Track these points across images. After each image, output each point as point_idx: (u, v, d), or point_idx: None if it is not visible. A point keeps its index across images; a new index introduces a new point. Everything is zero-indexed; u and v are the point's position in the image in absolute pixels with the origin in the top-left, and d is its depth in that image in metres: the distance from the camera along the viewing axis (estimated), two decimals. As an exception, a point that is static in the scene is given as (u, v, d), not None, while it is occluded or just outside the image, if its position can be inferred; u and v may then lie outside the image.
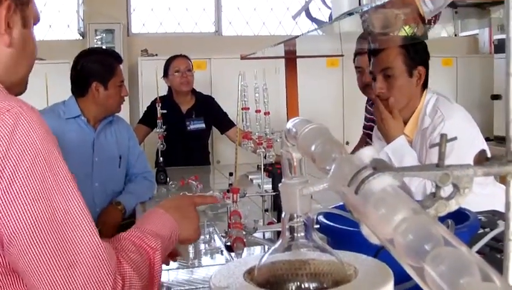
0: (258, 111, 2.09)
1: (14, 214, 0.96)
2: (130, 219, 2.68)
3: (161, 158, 3.16)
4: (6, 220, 0.96)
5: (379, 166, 0.58)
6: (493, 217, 1.66)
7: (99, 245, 1.01)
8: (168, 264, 1.40)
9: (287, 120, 2.81)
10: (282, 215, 0.83)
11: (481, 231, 1.43)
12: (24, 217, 0.96)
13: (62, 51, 4.50)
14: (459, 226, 1.17)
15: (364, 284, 0.77)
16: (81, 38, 5.07)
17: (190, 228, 1.31)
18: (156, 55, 4.92)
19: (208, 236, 1.98)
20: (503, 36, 4.93)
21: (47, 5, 4.95)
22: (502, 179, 0.63)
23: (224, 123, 4.03)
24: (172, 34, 5.41)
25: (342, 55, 3.14)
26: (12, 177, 0.96)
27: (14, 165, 0.96)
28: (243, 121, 2.11)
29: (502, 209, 1.80)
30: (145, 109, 4.04)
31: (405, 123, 2.21)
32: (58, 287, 0.97)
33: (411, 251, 0.48)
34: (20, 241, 0.96)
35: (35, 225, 0.96)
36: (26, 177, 0.96)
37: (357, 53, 2.97)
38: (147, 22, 5.40)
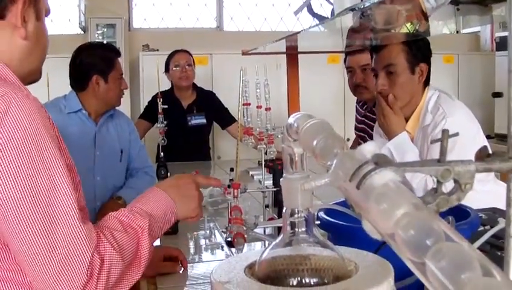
0: (259, 107, 2.08)
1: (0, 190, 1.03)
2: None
3: (162, 153, 3.15)
4: None
5: (381, 161, 0.58)
6: (494, 214, 1.66)
7: (78, 226, 1.05)
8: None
9: (288, 116, 2.80)
10: (284, 210, 0.83)
11: (481, 228, 1.43)
12: (9, 193, 1.03)
13: (63, 46, 4.48)
14: (459, 223, 1.17)
15: (364, 280, 0.77)
16: (82, 32, 5.06)
17: (189, 206, 1.32)
18: (157, 50, 4.91)
19: (208, 231, 1.98)
20: (504, 33, 4.93)
21: (48, -1, 4.94)
22: (503, 176, 0.63)
23: (225, 119, 4.03)
24: (174, 29, 5.40)
25: (344, 52, 3.13)
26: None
27: (2, 146, 1.03)
28: (244, 116, 2.11)
29: (502, 206, 1.79)
30: (146, 104, 4.04)
31: (407, 120, 2.21)
32: (39, 260, 1.03)
33: (412, 246, 0.48)
34: (5, 215, 1.03)
35: (19, 201, 1.03)
36: (13, 157, 1.03)
37: (347, 53, 2.96)
38: (149, 16, 5.40)
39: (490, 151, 0.61)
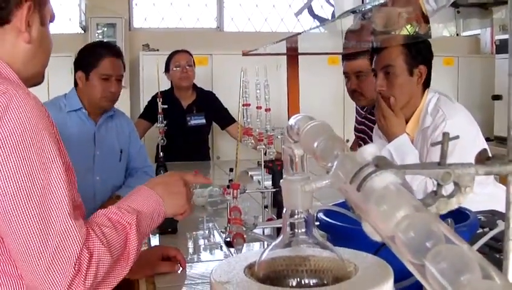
0: (259, 107, 2.08)
1: None
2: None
3: (161, 153, 3.16)
4: None
5: (381, 163, 0.58)
6: (493, 217, 1.66)
7: (69, 222, 1.09)
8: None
9: (288, 117, 2.81)
10: (283, 211, 0.83)
11: (480, 230, 1.43)
12: (5, 187, 1.06)
13: (63, 45, 4.49)
14: (458, 225, 1.17)
15: (364, 281, 0.78)
16: (82, 32, 5.06)
17: (176, 203, 1.34)
18: (158, 50, 4.91)
19: (207, 231, 1.98)
20: (504, 36, 4.94)
21: (49, -2, 4.94)
22: (503, 179, 0.63)
23: (224, 119, 4.03)
24: (174, 29, 5.40)
25: (342, 54, 3.13)
26: None
27: (1, 142, 1.07)
28: (243, 117, 2.11)
29: (501, 209, 1.80)
30: (146, 103, 4.04)
31: (406, 122, 2.21)
32: (31, 254, 1.06)
33: (412, 248, 0.49)
34: (1, 208, 1.07)
35: (15, 195, 1.06)
36: (11, 153, 1.07)
37: (344, 58, 2.96)
38: (149, 16, 5.40)
39: (490, 154, 0.61)
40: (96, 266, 1.10)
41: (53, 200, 1.09)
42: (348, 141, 4.54)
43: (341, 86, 5.06)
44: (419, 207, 0.52)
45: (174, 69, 3.89)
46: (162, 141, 3.14)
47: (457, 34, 5.90)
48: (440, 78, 4.46)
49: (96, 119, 2.72)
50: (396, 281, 0.80)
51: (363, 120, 3.08)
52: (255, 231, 1.62)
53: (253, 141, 2.12)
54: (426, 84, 2.21)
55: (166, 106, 3.13)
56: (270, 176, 2.07)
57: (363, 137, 3.08)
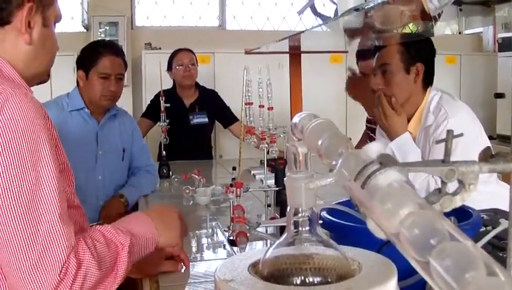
0: (261, 106, 2.09)
1: None
2: (132, 212, 2.68)
3: (164, 152, 3.17)
4: None
5: (385, 161, 0.58)
6: (495, 215, 1.66)
7: (58, 225, 1.08)
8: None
9: (291, 115, 2.80)
10: (287, 209, 0.83)
11: (483, 229, 1.43)
12: None
13: (66, 44, 4.46)
14: (462, 223, 1.17)
15: (368, 279, 0.78)
16: (85, 30, 5.07)
17: (170, 235, 1.37)
18: (160, 48, 4.92)
19: (210, 230, 1.99)
20: (507, 34, 4.93)
21: (51, -3, 4.94)
22: (506, 177, 0.63)
23: (227, 118, 4.03)
24: (176, 27, 5.40)
25: (346, 52, 3.13)
26: None
27: None
28: (246, 116, 2.11)
29: (504, 207, 1.80)
30: (149, 102, 4.04)
31: (408, 120, 2.21)
32: (16, 256, 1.05)
33: (417, 245, 0.49)
34: None
35: (3, 195, 1.05)
36: (1, 151, 1.06)
37: (359, 57, 2.98)
38: (151, 15, 5.40)
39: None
40: (84, 277, 1.09)
41: (42, 201, 1.08)
42: (350, 139, 4.53)
43: (343, 85, 5.08)
44: (423, 205, 0.53)
45: (177, 67, 3.90)
46: (165, 139, 3.15)
47: (459, 32, 5.91)
48: (442, 76, 4.46)
49: (98, 119, 2.73)
50: (399, 279, 0.80)
51: None
52: (258, 229, 1.62)
53: (255, 140, 2.12)
54: (428, 82, 2.20)
55: (168, 105, 3.14)
56: (273, 174, 2.07)
57: (374, 128, 3.08)
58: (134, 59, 4.96)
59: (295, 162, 0.85)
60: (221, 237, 1.92)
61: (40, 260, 1.05)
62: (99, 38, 4.65)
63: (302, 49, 2.70)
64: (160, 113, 3.12)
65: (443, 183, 0.58)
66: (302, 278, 0.81)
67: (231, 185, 1.67)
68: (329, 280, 0.81)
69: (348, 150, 0.67)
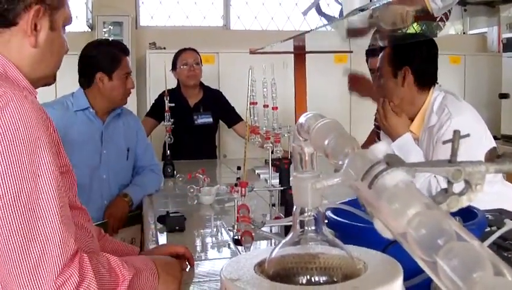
0: (266, 106, 2.09)
1: None
2: (136, 211, 2.69)
3: (168, 151, 3.17)
4: None
5: (392, 161, 0.58)
6: (500, 215, 1.66)
7: (57, 229, 1.07)
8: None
9: (295, 115, 2.80)
10: (294, 209, 0.83)
11: (488, 229, 1.43)
12: None
13: (70, 43, 4.46)
14: (467, 223, 1.17)
15: (373, 279, 0.78)
16: (89, 30, 5.08)
17: (169, 285, 1.38)
18: (164, 48, 4.92)
19: (215, 229, 1.99)
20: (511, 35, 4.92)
21: (56, -3, 4.94)
22: (510, 177, 0.64)
23: (231, 117, 4.03)
24: (181, 27, 5.41)
25: (351, 52, 3.14)
26: None
27: None
28: (250, 115, 2.11)
29: (509, 208, 1.80)
30: (153, 102, 4.05)
31: (411, 120, 2.22)
32: (13, 261, 1.04)
33: (424, 245, 0.49)
34: None
35: (0, 197, 1.04)
36: (1, 155, 1.05)
37: (369, 54, 2.99)
38: (156, 14, 5.40)
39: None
40: None
41: (41, 206, 1.07)
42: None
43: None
44: (430, 205, 0.53)
45: (181, 67, 3.90)
46: (169, 139, 3.16)
47: (464, 32, 5.88)
48: (447, 76, 4.46)
49: (103, 118, 2.73)
50: (405, 279, 0.80)
51: None
52: (262, 229, 1.62)
53: (260, 140, 2.13)
54: (425, 83, 2.20)
55: (173, 104, 3.14)
56: (278, 174, 2.07)
57: None
58: (139, 59, 4.97)
59: (301, 161, 0.85)
60: (225, 236, 1.92)
61: (38, 265, 1.04)
62: (103, 38, 4.65)
63: (306, 49, 2.70)
64: (165, 112, 3.13)
65: (449, 183, 0.58)
66: (308, 277, 0.82)
67: (236, 185, 1.67)
68: (335, 280, 0.81)
69: (355, 150, 0.67)
